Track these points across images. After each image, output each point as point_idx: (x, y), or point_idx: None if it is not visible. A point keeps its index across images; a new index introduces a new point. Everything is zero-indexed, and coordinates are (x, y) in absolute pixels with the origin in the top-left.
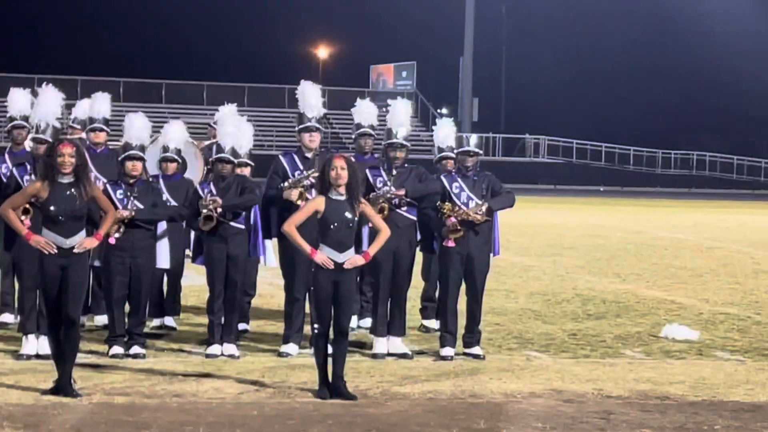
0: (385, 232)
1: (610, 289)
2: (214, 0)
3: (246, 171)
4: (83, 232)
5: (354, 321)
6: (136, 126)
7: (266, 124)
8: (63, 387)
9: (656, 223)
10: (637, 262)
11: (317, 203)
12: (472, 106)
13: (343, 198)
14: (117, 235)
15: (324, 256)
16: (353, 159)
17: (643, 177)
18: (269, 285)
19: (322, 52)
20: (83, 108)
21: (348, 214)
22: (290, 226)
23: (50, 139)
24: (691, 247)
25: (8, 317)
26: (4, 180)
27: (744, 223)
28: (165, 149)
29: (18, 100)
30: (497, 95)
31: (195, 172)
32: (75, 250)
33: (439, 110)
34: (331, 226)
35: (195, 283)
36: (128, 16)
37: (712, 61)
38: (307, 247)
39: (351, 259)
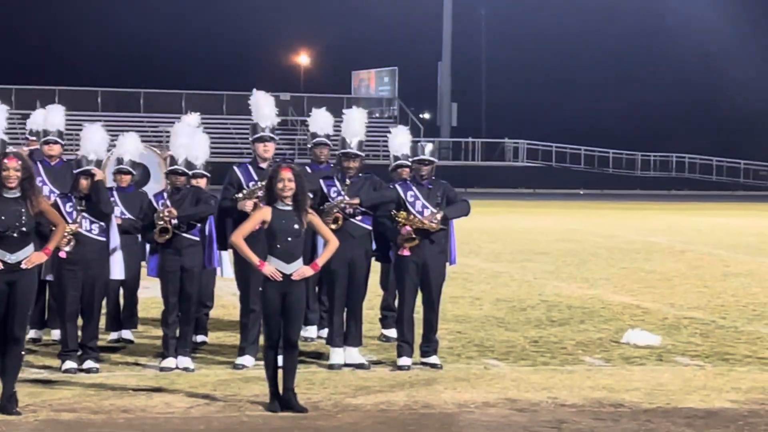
0: (333, 243)
1: (577, 295)
2: (192, 8)
3: (202, 182)
4: (31, 247)
5: (313, 331)
6: (95, 140)
7: (246, 132)
8: (4, 404)
9: (630, 227)
10: (607, 267)
11: (264, 213)
12: (451, 110)
13: (290, 208)
14: (68, 248)
15: (272, 267)
16: (309, 168)
17: (623, 180)
18: (232, 296)
19: (303, 58)
20: (37, 119)
21: (295, 225)
22: (237, 237)
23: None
24: (663, 251)
25: None
26: None
27: (718, 226)
28: (119, 161)
29: None
30: (477, 100)
31: (160, 182)
32: (23, 266)
33: (420, 115)
34: (278, 238)
35: (156, 294)
36: (105, 24)
37: (691, 62)
38: (255, 258)
39: (299, 270)
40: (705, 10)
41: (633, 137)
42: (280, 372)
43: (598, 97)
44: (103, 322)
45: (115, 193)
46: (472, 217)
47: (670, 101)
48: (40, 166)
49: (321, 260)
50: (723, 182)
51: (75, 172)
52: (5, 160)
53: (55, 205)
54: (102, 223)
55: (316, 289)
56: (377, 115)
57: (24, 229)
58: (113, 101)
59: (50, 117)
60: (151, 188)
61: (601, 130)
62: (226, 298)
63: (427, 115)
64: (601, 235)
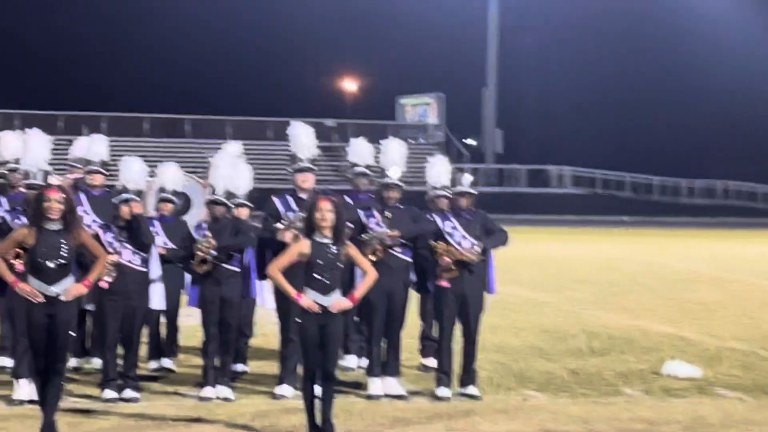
0: (371, 275)
1: (618, 325)
2: (238, 34)
3: (244, 212)
4: (71, 279)
5: (353, 360)
6: (133, 170)
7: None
8: None
9: (674, 255)
10: (650, 296)
11: (302, 246)
12: (496, 137)
13: (328, 240)
14: (109, 279)
15: (309, 300)
16: (348, 198)
17: (668, 206)
18: (273, 325)
19: (349, 84)
20: (81, 147)
21: (333, 257)
22: (274, 270)
23: (42, 184)
24: (706, 280)
25: (6, 361)
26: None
27: (763, 254)
28: (161, 190)
29: (10, 142)
30: (522, 126)
31: (201, 209)
32: (62, 298)
33: (466, 140)
34: (316, 270)
35: (197, 322)
36: (151, 50)
37: (735, 87)
38: (292, 290)
39: (337, 302)
40: (750, 33)
41: (678, 164)
42: (318, 403)
43: (644, 122)
44: (144, 351)
45: (157, 222)
46: (515, 245)
47: (715, 127)
48: (82, 195)
49: (359, 292)
50: None
51: (114, 201)
52: (47, 192)
53: (96, 235)
54: (143, 254)
55: (356, 318)
56: (423, 141)
57: (64, 261)
58: (159, 127)
59: (93, 146)
60: (193, 216)
61: (645, 157)
62: (267, 327)
63: (473, 141)
64: (644, 263)
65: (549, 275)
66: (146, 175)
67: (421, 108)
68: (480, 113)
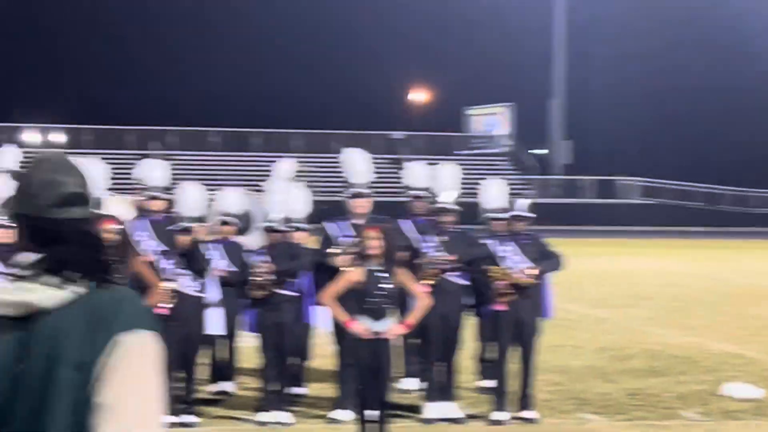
0: (424, 302)
1: (679, 343)
2: (305, 47)
3: (302, 236)
4: None
5: (413, 383)
6: (191, 198)
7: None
8: None
9: (739, 269)
10: (712, 313)
11: (354, 273)
12: (564, 148)
13: (379, 267)
14: (169, 305)
15: (361, 326)
16: (404, 222)
17: (737, 216)
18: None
19: (417, 95)
20: (143, 171)
21: (385, 284)
22: (328, 297)
23: (98, 212)
24: None
25: None
26: None
27: None
28: (223, 213)
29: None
30: (592, 136)
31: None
32: None
33: (536, 150)
34: (368, 296)
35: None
36: (214, 64)
37: None
38: (344, 316)
39: (390, 328)
40: None
41: (748, 173)
42: (373, 427)
43: (714, 132)
44: (203, 374)
45: (218, 245)
46: (580, 261)
47: None
48: (145, 221)
49: (412, 319)
50: None
51: (169, 229)
52: (101, 224)
53: (155, 262)
54: (202, 280)
55: (415, 341)
56: (490, 151)
57: None
58: (226, 141)
59: (153, 171)
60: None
61: (715, 166)
62: (326, 348)
63: (544, 151)
64: (708, 277)
65: (612, 291)
66: (205, 202)
67: (489, 119)
68: (548, 123)
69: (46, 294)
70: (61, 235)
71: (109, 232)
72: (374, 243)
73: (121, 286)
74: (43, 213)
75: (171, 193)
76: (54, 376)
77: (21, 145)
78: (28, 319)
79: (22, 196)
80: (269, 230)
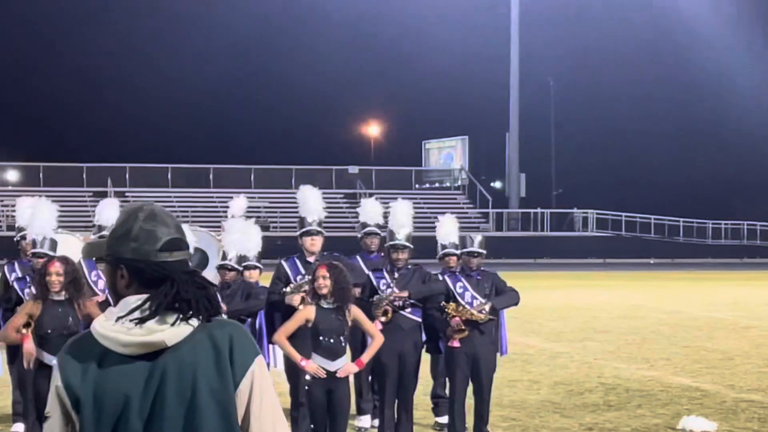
0: (378, 339)
1: (636, 377)
2: (260, 82)
3: (255, 274)
4: None
5: (367, 420)
6: None
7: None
8: None
9: (695, 301)
10: (669, 346)
11: (307, 312)
12: (520, 181)
13: (332, 306)
14: None
15: (314, 365)
16: (358, 258)
17: (694, 248)
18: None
19: (373, 129)
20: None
21: (338, 323)
22: (280, 336)
23: (50, 253)
24: (727, 327)
25: (20, 426)
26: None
27: None
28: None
29: (26, 209)
30: (547, 169)
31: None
32: None
33: (491, 184)
34: (321, 335)
35: None
36: (173, 101)
37: (759, 128)
38: (297, 356)
39: (344, 367)
40: None
41: (704, 205)
42: None
43: (668, 164)
44: None
45: None
46: (536, 294)
47: (742, 167)
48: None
49: (366, 357)
50: None
51: None
52: (48, 266)
53: (106, 302)
54: None
55: (370, 378)
56: (447, 184)
57: (70, 332)
58: (183, 177)
59: (105, 212)
60: (207, 276)
61: (671, 198)
62: (280, 387)
63: (498, 184)
64: (664, 311)
65: (568, 325)
66: None
67: (446, 152)
68: (503, 157)
69: (173, 332)
70: (168, 276)
71: (55, 275)
72: (323, 281)
73: (220, 318)
74: (151, 257)
75: None
76: (195, 403)
77: None
78: (149, 353)
79: (125, 243)
80: (224, 268)
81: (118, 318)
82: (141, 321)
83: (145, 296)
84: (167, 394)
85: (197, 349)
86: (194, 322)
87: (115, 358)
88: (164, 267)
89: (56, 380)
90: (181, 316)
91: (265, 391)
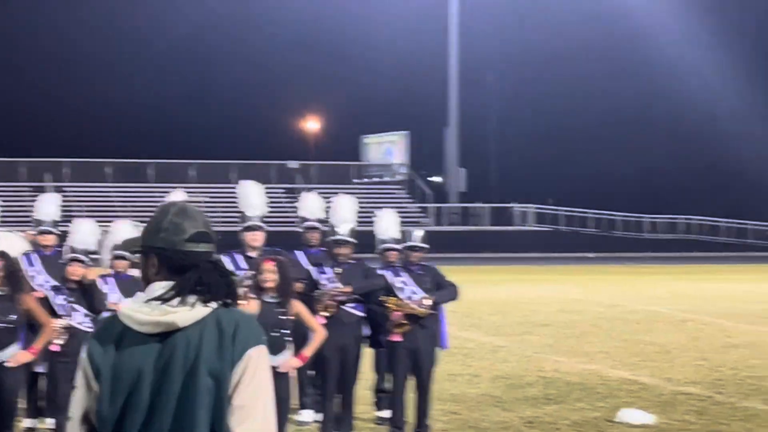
0: (319, 333)
1: (576, 370)
2: (199, 76)
3: None
4: (17, 346)
5: (309, 415)
6: (82, 231)
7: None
8: None
9: (633, 295)
10: (607, 339)
11: (250, 306)
12: (459, 176)
13: (275, 300)
14: (60, 342)
15: None
16: (299, 253)
17: (631, 242)
18: None
19: (312, 124)
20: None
21: (281, 317)
22: None
23: None
24: (665, 320)
25: None
26: None
27: (723, 292)
28: (116, 247)
29: None
30: (486, 164)
31: None
32: (7, 365)
33: (431, 179)
34: (264, 330)
35: None
36: (111, 95)
37: (697, 123)
38: None
39: (286, 361)
40: (712, 71)
41: (640, 199)
42: None
43: (607, 159)
44: None
45: (111, 279)
46: (476, 288)
47: (678, 162)
48: (35, 255)
49: (308, 351)
50: (731, 243)
51: (61, 263)
52: None
53: (46, 298)
54: (95, 315)
55: (311, 373)
56: (387, 179)
57: (11, 325)
58: (121, 172)
59: (44, 207)
60: None
61: (608, 193)
62: None
63: (438, 179)
64: (603, 304)
65: (508, 319)
66: (97, 236)
67: (386, 147)
68: (443, 152)
69: (185, 315)
70: (194, 264)
71: None
72: (269, 275)
73: (236, 307)
74: (179, 247)
75: (62, 227)
76: (195, 381)
77: None
78: (164, 333)
79: (156, 234)
80: None
81: (147, 300)
82: (163, 301)
83: (172, 283)
84: (173, 370)
85: (204, 331)
86: (212, 305)
87: (133, 336)
88: (190, 255)
89: (83, 352)
90: (200, 299)
91: (257, 375)
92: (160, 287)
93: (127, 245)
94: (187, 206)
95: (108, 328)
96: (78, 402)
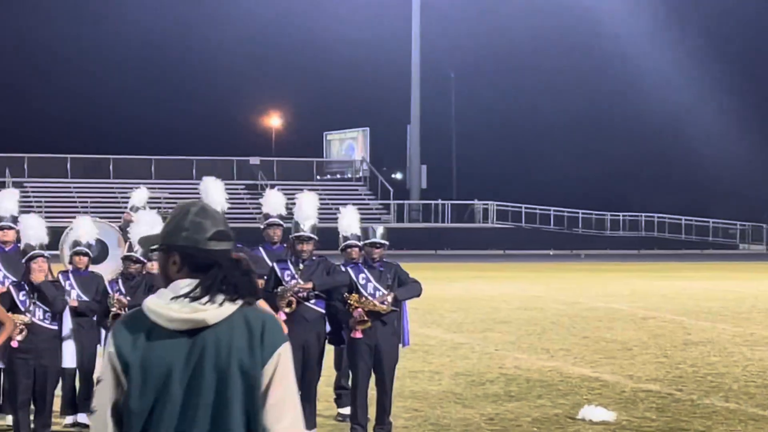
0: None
1: (536, 367)
2: (159, 72)
3: (156, 266)
4: None
5: None
6: (32, 226)
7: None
8: None
9: (594, 293)
10: (568, 336)
11: None
12: (421, 173)
13: None
14: (20, 338)
15: None
16: (261, 249)
17: (593, 239)
18: None
19: (275, 121)
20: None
21: None
22: None
23: None
24: (625, 318)
25: None
26: None
27: (683, 290)
28: (76, 243)
29: None
30: (447, 161)
31: (116, 260)
32: None
33: (392, 176)
34: None
35: None
36: (73, 91)
37: (659, 122)
38: None
39: None
40: (672, 70)
41: (602, 197)
42: None
43: (568, 157)
44: (58, 406)
45: (71, 275)
46: (437, 285)
47: (640, 161)
48: None
49: None
50: (692, 241)
51: (24, 261)
52: None
53: (8, 293)
54: (56, 311)
55: None
56: (348, 176)
57: None
58: (82, 168)
59: (3, 202)
60: (108, 266)
61: (570, 191)
62: None
63: (399, 176)
64: (564, 302)
65: (469, 316)
66: (45, 229)
67: (348, 143)
68: (405, 148)
69: (214, 312)
70: (216, 261)
71: None
72: None
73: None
74: (201, 245)
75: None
76: (228, 378)
77: None
78: (192, 330)
79: (178, 232)
80: (128, 259)
81: (173, 297)
82: (193, 299)
83: (196, 281)
84: (205, 367)
85: (234, 330)
86: (238, 303)
87: (162, 332)
88: (212, 254)
89: (110, 347)
90: (227, 297)
91: (285, 373)
92: (185, 285)
93: (143, 243)
94: (207, 206)
95: (135, 323)
96: (105, 395)
